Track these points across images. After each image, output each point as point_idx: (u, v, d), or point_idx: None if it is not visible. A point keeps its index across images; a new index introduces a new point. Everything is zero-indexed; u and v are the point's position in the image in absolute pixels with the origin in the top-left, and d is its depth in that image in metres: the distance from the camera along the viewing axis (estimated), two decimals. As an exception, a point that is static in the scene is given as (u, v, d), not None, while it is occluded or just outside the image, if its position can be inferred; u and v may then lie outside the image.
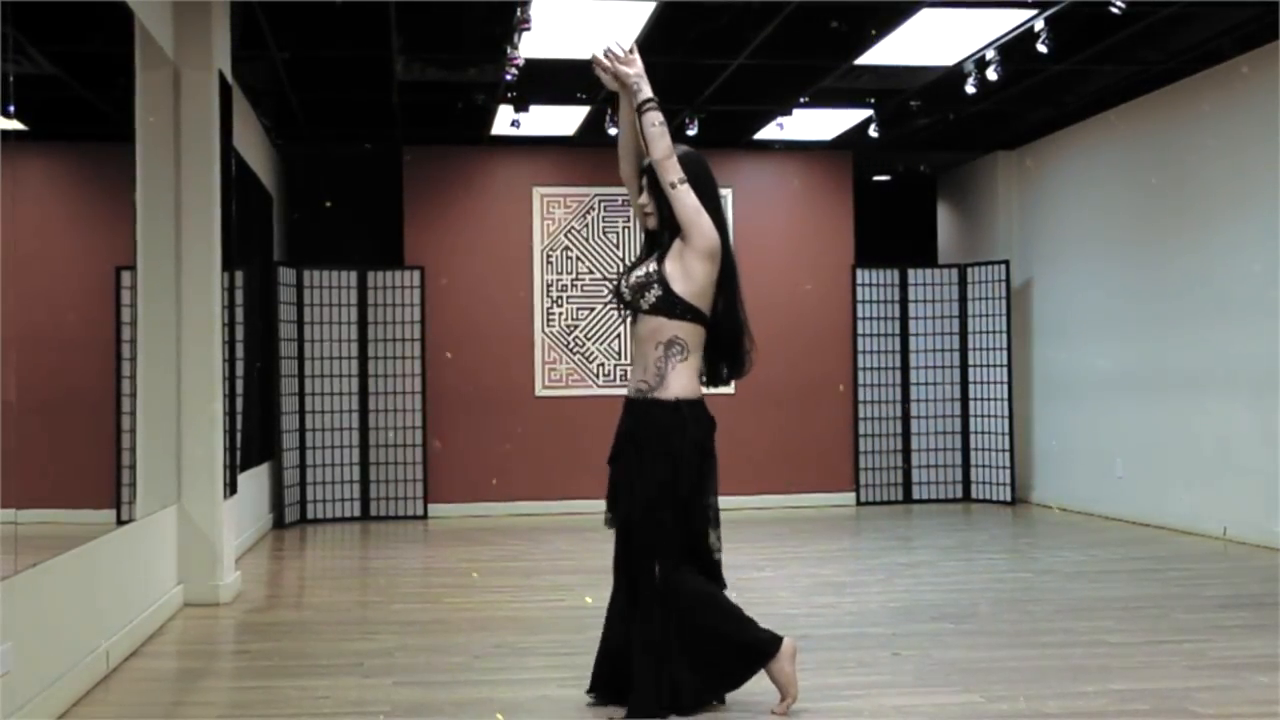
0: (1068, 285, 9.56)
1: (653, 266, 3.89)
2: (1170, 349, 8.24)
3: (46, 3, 4.53)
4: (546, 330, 9.84)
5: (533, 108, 8.31)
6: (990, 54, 7.20)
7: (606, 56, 3.84)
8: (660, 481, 3.78)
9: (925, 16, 6.54)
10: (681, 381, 3.83)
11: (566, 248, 9.89)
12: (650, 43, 6.96)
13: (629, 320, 4.01)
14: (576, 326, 9.87)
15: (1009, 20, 6.68)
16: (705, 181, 3.88)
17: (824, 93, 8.18)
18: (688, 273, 3.82)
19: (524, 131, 8.93)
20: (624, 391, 4.03)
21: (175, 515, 5.75)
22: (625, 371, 9.88)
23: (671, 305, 3.82)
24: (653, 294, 3.83)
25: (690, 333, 3.85)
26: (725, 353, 3.97)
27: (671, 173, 3.78)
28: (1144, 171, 8.58)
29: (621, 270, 4.03)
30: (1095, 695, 4.03)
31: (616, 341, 9.90)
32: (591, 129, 9.07)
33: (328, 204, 9.93)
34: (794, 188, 10.23)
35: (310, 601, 6.29)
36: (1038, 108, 8.88)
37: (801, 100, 8.42)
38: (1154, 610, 5.49)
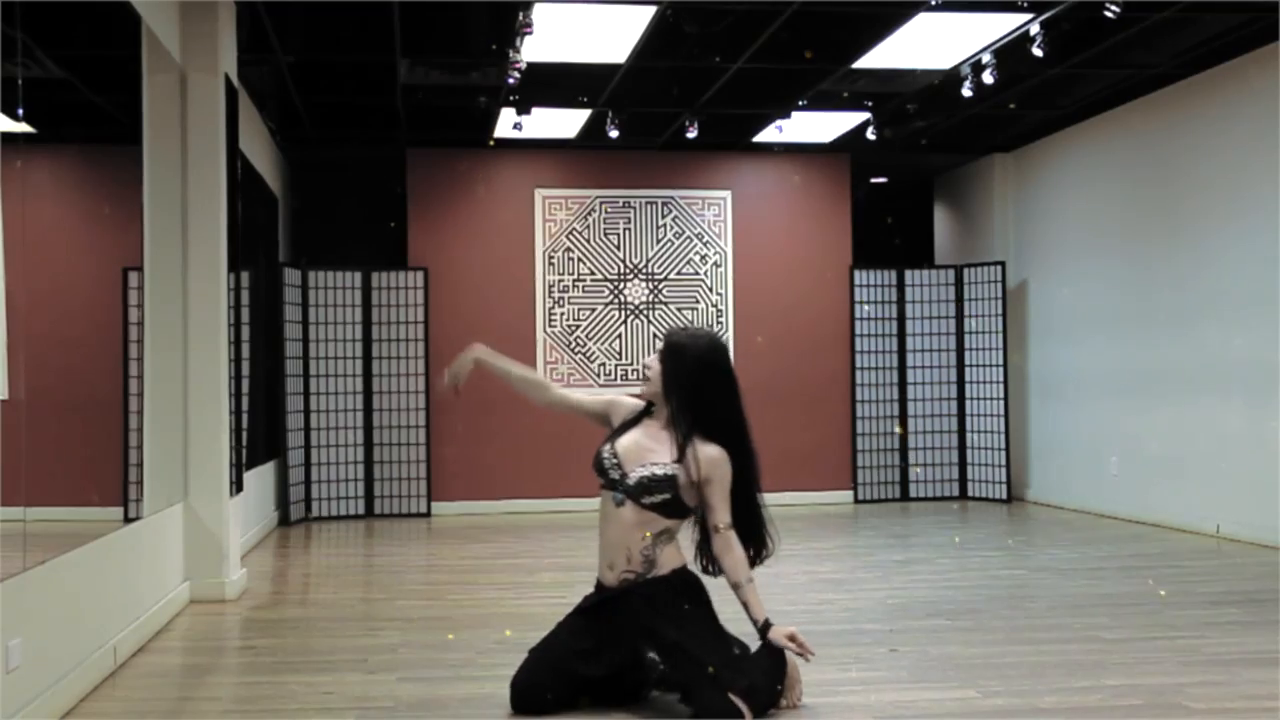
0: (1063, 286, 9.61)
1: (667, 469, 3.86)
2: (1164, 348, 8.29)
3: (54, 5, 4.58)
4: (548, 330, 9.90)
5: (535, 110, 8.37)
6: (986, 58, 7.26)
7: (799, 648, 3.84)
8: (706, 633, 3.83)
9: (922, 20, 6.61)
10: (671, 557, 3.92)
11: (568, 249, 9.95)
12: (650, 46, 7.02)
13: (614, 501, 3.92)
14: (578, 327, 9.93)
15: (1005, 24, 6.74)
16: (725, 377, 3.93)
17: (822, 96, 8.24)
18: (701, 498, 3.90)
19: (526, 134, 9.00)
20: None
21: (182, 513, 5.81)
22: (625, 371, 9.94)
23: (673, 510, 3.90)
24: (659, 497, 3.87)
25: (678, 523, 3.95)
26: (751, 540, 3.98)
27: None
28: (1138, 174, 8.63)
29: (606, 442, 4.03)
30: (1090, 691, 4.08)
31: (617, 341, 9.96)
32: (593, 132, 9.12)
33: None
34: (792, 190, 10.28)
35: (315, 598, 6.33)
36: (1034, 111, 8.94)
37: (800, 103, 8.47)
38: (1147, 606, 5.54)
